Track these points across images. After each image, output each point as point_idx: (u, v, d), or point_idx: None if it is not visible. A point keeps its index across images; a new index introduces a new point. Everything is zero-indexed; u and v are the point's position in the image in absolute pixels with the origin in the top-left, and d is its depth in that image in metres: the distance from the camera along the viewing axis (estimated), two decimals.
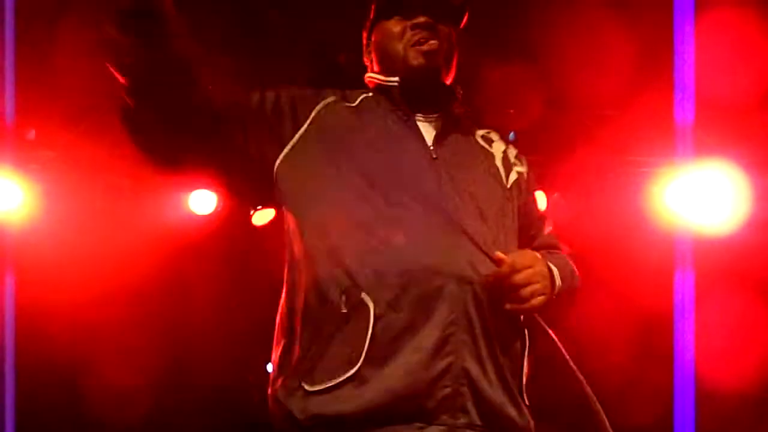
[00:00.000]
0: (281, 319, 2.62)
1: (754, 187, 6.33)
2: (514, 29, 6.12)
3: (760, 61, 5.68)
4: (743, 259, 6.60)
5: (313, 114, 2.64)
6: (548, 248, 2.79)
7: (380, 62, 2.77)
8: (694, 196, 6.32)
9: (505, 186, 2.72)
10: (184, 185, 6.97)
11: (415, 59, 2.67)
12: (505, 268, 2.48)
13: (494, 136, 2.83)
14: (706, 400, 6.44)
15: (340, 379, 2.42)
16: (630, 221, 6.66)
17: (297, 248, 2.59)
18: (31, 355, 6.93)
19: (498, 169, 2.73)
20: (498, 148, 2.78)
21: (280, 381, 2.56)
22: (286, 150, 2.61)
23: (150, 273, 7.01)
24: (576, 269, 2.75)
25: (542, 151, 6.83)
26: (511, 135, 6.31)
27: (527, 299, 2.50)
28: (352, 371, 2.41)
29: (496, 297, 2.49)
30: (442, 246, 2.49)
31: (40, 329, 6.95)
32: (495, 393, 2.50)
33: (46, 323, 7.00)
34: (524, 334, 2.61)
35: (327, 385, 2.44)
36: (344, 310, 2.45)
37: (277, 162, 2.61)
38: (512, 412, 2.55)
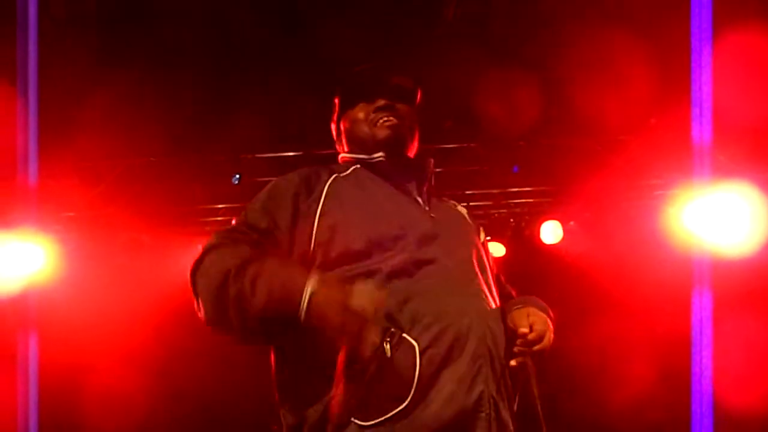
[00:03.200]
0: (312, 363, 2.76)
1: None
2: (527, 54, 6.14)
3: None
4: (761, 279, 6.58)
5: (324, 191, 2.91)
6: (507, 293, 3.16)
7: (353, 144, 3.13)
8: (711, 217, 6.31)
9: (480, 239, 3.10)
10: (202, 237, 7.10)
11: (382, 133, 3.05)
12: (534, 337, 2.82)
13: (452, 202, 3.21)
14: (724, 422, 6.40)
15: (393, 412, 2.64)
16: (647, 243, 6.67)
17: None
18: (55, 415, 6.98)
19: (471, 226, 3.13)
20: (462, 210, 3.19)
21: (318, 418, 2.72)
22: (315, 223, 2.84)
23: (171, 326, 7.11)
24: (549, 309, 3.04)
25: (556, 181, 6.87)
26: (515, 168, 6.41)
27: (545, 352, 2.86)
28: (404, 405, 2.64)
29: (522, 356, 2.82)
30: (464, 290, 2.84)
31: (64, 388, 7.03)
32: (505, 413, 2.80)
33: (69, 382, 7.09)
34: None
35: (381, 419, 2.64)
36: (388, 350, 2.67)
37: (313, 232, 2.83)
38: (511, 426, 2.84)
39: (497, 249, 7.06)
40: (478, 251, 3.01)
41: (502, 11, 5.85)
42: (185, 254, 7.30)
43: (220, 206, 7.40)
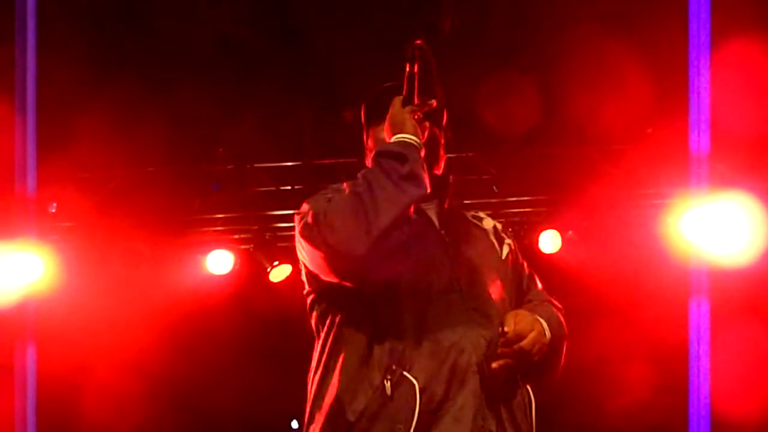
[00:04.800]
0: (315, 396, 2.85)
1: None
2: (525, 63, 6.16)
3: None
4: (759, 289, 6.59)
5: None
6: (540, 301, 3.09)
7: None
8: (709, 227, 6.31)
9: (500, 257, 3.02)
10: (201, 247, 7.13)
11: None
12: (512, 335, 2.78)
13: (482, 214, 3.15)
14: (721, 431, 6.40)
15: None
16: (645, 253, 6.68)
17: (336, 333, 2.85)
18: (53, 425, 6.96)
19: (493, 243, 3.04)
20: (488, 224, 3.09)
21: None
22: None
23: (170, 336, 7.16)
24: (563, 320, 3.04)
25: (554, 190, 6.87)
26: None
27: (534, 356, 2.82)
28: None
29: (504, 358, 2.78)
30: (462, 324, 2.81)
31: (62, 399, 7.03)
32: None
33: (67, 392, 7.09)
34: (527, 389, 2.90)
35: None
36: (388, 388, 2.70)
37: None
38: None
39: None
40: (496, 268, 2.96)
41: (500, 20, 5.87)
42: (184, 264, 7.31)
43: (219, 216, 7.40)
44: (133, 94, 6.35)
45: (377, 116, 3.01)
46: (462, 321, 2.81)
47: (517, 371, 2.84)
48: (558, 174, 6.70)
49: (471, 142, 6.55)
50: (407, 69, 2.87)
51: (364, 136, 3.12)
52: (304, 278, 2.96)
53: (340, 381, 2.78)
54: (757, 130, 5.95)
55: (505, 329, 2.79)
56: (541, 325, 2.87)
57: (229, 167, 7.17)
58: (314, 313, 2.95)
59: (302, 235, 2.78)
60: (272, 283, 7.19)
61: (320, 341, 2.90)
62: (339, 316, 2.86)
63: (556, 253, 6.96)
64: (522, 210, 7.10)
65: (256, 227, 7.30)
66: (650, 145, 6.45)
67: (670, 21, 5.38)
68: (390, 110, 2.86)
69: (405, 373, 2.71)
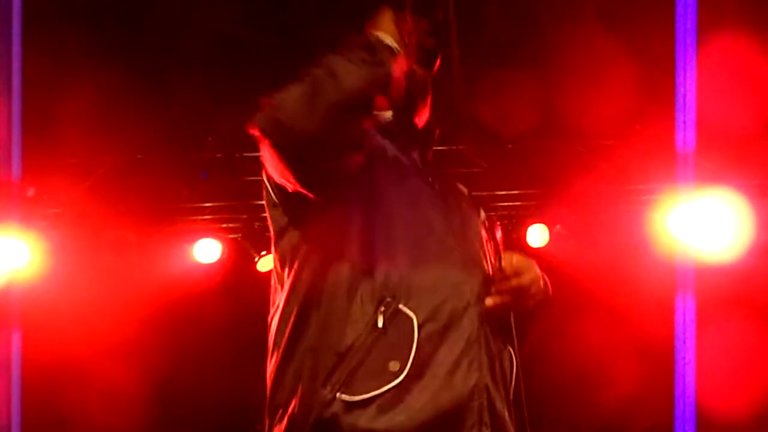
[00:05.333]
0: (291, 336, 2.58)
1: (755, 213, 6.35)
2: (514, 59, 6.17)
3: (761, 89, 5.71)
4: (744, 285, 6.61)
5: None
6: None
7: None
8: (695, 223, 6.33)
9: (480, 219, 2.83)
10: (189, 235, 7.12)
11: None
12: (509, 271, 2.59)
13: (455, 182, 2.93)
14: (706, 426, 6.43)
15: (385, 388, 2.44)
16: (632, 249, 6.70)
17: (314, 265, 2.57)
18: (38, 411, 6.98)
19: (472, 204, 2.85)
20: (463, 188, 2.89)
21: (300, 395, 2.52)
22: None
23: (157, 324, 7.15)
24: (549, 285, 2.80)
25: (543, 184, 6.88)
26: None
27: (531, 298, 2.61)
28: (398, 380, 2.44)
29: (501, 296, 2.58)
30: (461, 267, 2.59)
31: (47, 386, 7.03)
32: (501, 406, 2.59)
33: (53, 379, 7.08)
34: (514, 352, 2.70)
35: (371, 394, 2.44)
36: (380, 321, 2.47)
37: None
38: (508, 421, 2.63)
39: None
40: (478, 225, 2.76)
41: (491, 17, 5.87)
42: (171, 252, 7.30)
43: (207, 204, 7.40)
44: (123, 81, 6.32)
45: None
46: (460, 264, 2.59)
47: (512, 311, 2.62)
48: (546, 168, 6.71)
49: (459, 135, 6.54)
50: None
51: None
52: (268, 208, 2.68)
53: (320, 321, 2.53)
54: (742, 127, 5.97)
55: (503, 265, 2.60)
56: (537, 270, 2.66)
57: (218, 156, 7.16)
58: (279, 252, 2.65)
59: (254, 125, 2.44)
60: (260, 272, 7.20)
61: (290, 281, 2.60)
62: (315, 247, 2.58)
63: (543, 247, 6.98)
64: (510, 204, 7.10)
65: (244, 216, 7.30)
66: (638, 142, 6.46)
67: (658, 20, 5.41)
68: (376, 18, 2.61)
69: (402, 306, 2.49)
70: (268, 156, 2.51)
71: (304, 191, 2.52)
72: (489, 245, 2.77)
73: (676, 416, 6.29)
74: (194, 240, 7.23)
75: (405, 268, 2.52)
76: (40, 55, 5.82)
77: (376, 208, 2.57)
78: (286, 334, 2.59)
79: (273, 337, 2.63)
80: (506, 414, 2.60)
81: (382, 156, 2.68)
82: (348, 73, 2.39)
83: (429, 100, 2.74)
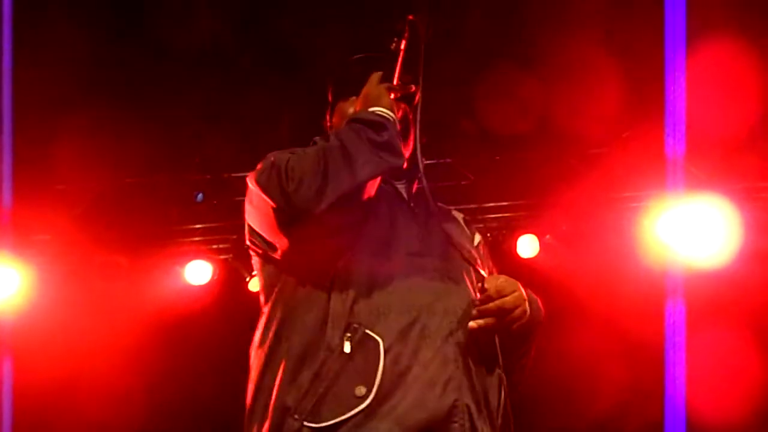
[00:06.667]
0: (266, 362, 2.63)
1: (744, 219, 6.39)
2: (500, 69, 6.20)
3: (750, 95, 5.77)
4: (734, 291, 6.64)
5: None
6: None
7: None
8: (684, 229, 6.37)
9: (473, 243, 2.87)
10: (179, 257, 7.09)
11: None
12: (492, 292, 2.59)
13: (449, 208, 2.97)
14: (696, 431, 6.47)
15: (350, 413, 2.44)
16: (621, 256, 6.72)
17: (288, 294, 2.64)
18: None
19: (465, 229, 2.90)
20: (458, 215, 2.94)
21: (270, 424, 2.54)
22: None
23: (149, 347, 7.11)
24: (541, 306, 2.85)
25: (531, 195, 6.91)
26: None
27: (516, 320, 2.61)
28: (364, 404, 2.44)
29: (484, 318, 2.59)
30: (435, 289, 2.61)
31: (39, 413, 6.98)
32: (485, 427, 2.58)
33: (44, 406, 7.04)
34: (500, 369, 2.71)
35: (337, 420, 2.44)
36: (347, 347, 2.49)
37: None
38: None
39: None
40: (472, 256, 2.78)
41: (476, 26, 5.91)
42: (163, 276, 7.28)
43: (197, 226, 7.39)
44: (111, 106, 6.34)
45: (347, 90, 2.81)
46: (435, 285, 2.61)
47: (496, 333, 2.64)
48: (535, 178, 6.74)
49: (449, 147, 6.58)
50: (393, 44, 2.69)
51: (327, 114, 2.91)
52: (248, 241, 2.74)
53: (294, 347, 2.56)
54: (731, 134, 6.03)
55: (486, 286, 2.60)
56: (522, 291, 2.66)
57: (206, 177, 7.16)
58: (262, 279, 2.73)
59: (257, 182, 2.55)
60: (251, 292, 7.19)
61: (268, 308, 2.68)
62: (291, 276, 2.64)
63: (534, 257, 6.97)
64: (500, 215, 7.12)
65: (234, 237, 7.29)
66: (627, 149, 6.51)
67: (646, 27, 5.48)
68: (366, 85, 2.67)
69: (368, 331, 2.50)
70: (256, 205, 2.59)
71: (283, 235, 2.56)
72: (483, 268, 2.79)
73: (665, 422, 6.32)
74: (185, 262, 7.21)
75: (373, 292, 2.55)
76: (29, 83, 5.83)
77: (352, 238, 2.60)
78: (260, 365, 2.64)
79: (251, 366, 2.70)
80: (487, 429, 2.59)
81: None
82: (365, 162, 2.48)
83: (413, 133, 2.75)
